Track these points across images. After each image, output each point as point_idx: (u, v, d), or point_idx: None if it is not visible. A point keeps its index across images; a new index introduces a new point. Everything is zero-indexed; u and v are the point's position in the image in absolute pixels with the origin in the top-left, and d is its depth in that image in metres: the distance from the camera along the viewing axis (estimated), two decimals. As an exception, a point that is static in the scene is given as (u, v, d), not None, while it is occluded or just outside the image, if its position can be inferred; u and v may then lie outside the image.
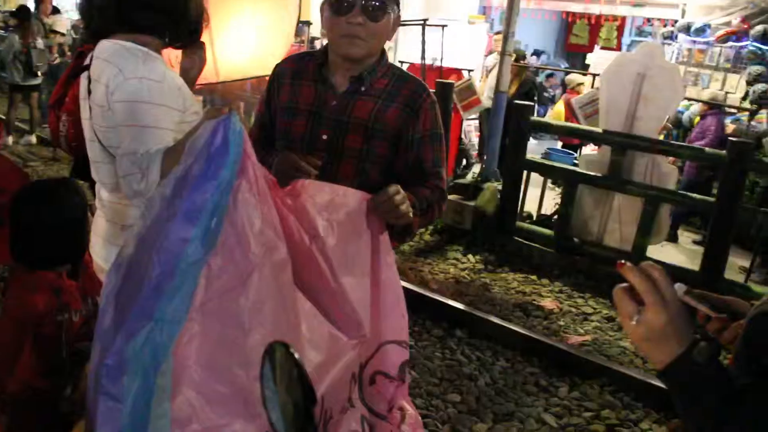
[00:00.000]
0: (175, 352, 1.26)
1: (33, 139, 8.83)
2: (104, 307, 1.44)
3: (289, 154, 1.87)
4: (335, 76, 1.99)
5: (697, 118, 7.52)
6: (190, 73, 2.17)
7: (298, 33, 9.25)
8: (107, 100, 1.77)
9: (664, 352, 0.94)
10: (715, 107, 7.25)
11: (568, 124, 6.84)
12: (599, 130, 5.51)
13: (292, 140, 2.00)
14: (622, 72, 5.32)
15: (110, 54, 1.80)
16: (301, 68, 2.06)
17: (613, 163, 5.35)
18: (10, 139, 8.64)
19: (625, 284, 0.96)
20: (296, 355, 0.87)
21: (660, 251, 5.88)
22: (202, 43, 2.18)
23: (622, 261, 0.97)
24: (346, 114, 1.96)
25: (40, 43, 8.51)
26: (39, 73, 8.66)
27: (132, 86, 1.73)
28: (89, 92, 1.87)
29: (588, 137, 6.24)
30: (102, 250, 1.99)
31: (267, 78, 2.14)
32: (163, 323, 1.29)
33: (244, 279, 1.32)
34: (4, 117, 9.02)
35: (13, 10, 10.04)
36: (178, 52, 2.17)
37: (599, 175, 5.45)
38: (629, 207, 5.43)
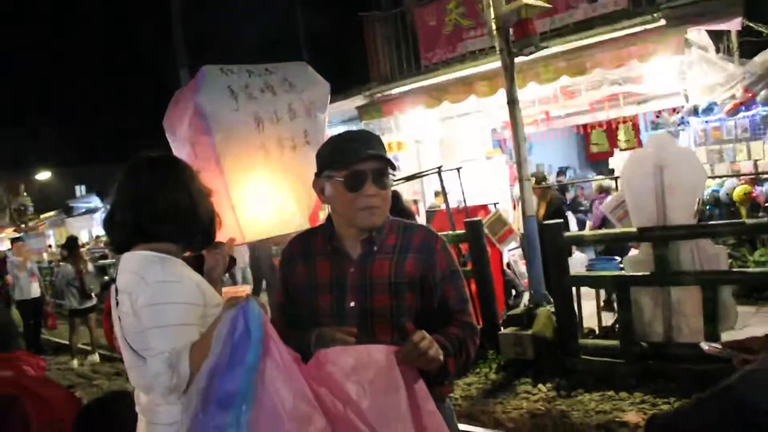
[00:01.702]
0: None
1: (96, 358, 9.14)
2: None
3: (323, 331, 1.89)
4: (346, 245, 2.05)
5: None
6: (214, 271, 2.32)
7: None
8: (132, 307, 1.90)
9: None
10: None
11: (602, 231, 6.79)
12: (634, 229, 5.46)
13: (321, 315, 2.01)
14: (640, 168, 5.36)
15: (132, 264, 1.96)
16: (308, 246, 2.13)
17: (657, 257, 5.26)
18: (75, 362, 9.02)
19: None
20: None
21: (739, 335, 5.58)
22: (221, 243, 2.34)
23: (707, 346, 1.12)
24: (367, 277, 2.00)
25: (90, 267, 9.04)
26: (92, 295, 9.15)
27: (153, 290, 1.86)
28: (117, 303, 2.00)
29: (626, 239, 6.17)
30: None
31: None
32: None
33: (283, 457, 1.32)
34: (68, 342, 9.40)
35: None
36: None
37: (647, 273, 5.33)
38: (689, 298, 5.24)
